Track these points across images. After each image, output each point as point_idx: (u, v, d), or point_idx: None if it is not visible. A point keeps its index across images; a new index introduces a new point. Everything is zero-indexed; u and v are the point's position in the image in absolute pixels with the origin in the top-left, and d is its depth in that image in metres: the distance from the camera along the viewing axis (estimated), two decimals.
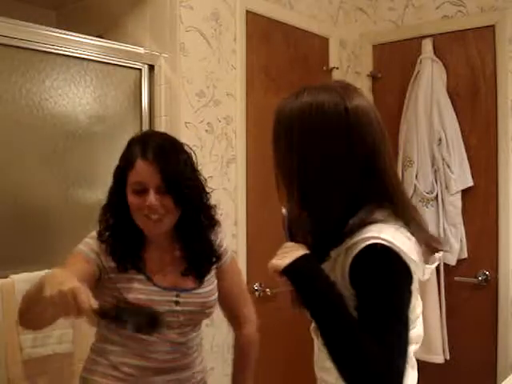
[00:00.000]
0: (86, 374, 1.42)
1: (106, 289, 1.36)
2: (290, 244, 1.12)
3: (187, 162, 1.38)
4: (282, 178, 1.13)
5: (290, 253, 1.08)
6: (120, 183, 1.37)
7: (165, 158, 1.33)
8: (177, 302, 1.37)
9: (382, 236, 1.04)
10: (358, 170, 1.09)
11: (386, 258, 1.03)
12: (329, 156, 1.07)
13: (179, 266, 1.42)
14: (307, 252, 1.09)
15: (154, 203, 1.31)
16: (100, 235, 1.38)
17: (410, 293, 1.07)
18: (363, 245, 1.04)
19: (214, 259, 1.46)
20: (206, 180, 1.44)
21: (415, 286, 1.10)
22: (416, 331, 1.14)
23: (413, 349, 1.13)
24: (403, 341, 1.04)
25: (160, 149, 1.34)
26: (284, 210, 1.19)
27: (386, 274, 1.04)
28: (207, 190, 1.44)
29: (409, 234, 1.09)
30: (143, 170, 1.31)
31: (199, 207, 1.41)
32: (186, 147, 1.40)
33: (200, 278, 1.42)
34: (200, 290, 1.42)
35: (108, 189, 1.41)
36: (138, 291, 1.34)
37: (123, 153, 1.38)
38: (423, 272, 1.12)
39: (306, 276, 1.06)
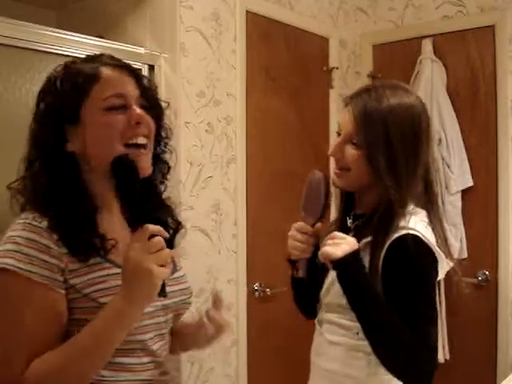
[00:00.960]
0: None
1: (75, 306, 0.94)
2: (340, 234, 1.18)
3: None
4: (373, 160, 1.19)
5: (343, 245, 1.15)
6: (67, 116, 0.97)
7: (132, 67, 1.04)
8: (164, 295, 1.00)
9: (416, 227, 1.14)
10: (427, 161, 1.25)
11: (418, 247, 1.13)
12: (418, 148, 1.20)
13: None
14: (356, 248, 1.15)
15: (143, 115, 0.99)
16: (53, 220, 0.93)
17: (436, 283, 1.16)
18: (397, 234, 1.14)
19: (176, 227, 1.15)
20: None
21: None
22: None
23: None
24: (435, 325, 1.13)
25: (117, 58, 1.05)
26: (319, 173, 1.24)
27: (418, 262, 1.13)
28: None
29: (429, 228, 1.19)
30: (117, 80, 1.00)
31: (165, 148, 1.11)
32: None
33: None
34: (177, 275, 1.13)
35: (34, 139, 1.01)
36: (116, 290, 0.92)
37: (63, 75, 1.02)
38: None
39: (353, 274, 1.14)
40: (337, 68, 2.84)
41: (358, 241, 1.18)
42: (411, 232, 1.13)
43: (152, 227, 0.88)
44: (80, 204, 0.97)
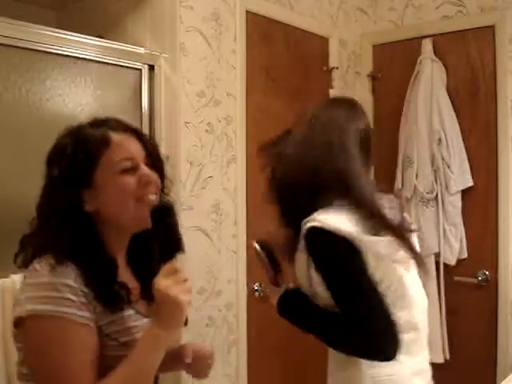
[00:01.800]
0: None
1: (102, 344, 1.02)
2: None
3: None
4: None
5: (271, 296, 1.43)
6: (82, 180, 1.05)
7: (135, 129, 1.14)
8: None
9: (316, 218, 1.25)
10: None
11: (320, 236, 1.24)
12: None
13: (136, 286, 1.15)
14: (281, 293, 1.41)
15: (151, 176, 1.09)
16: (78, 267, 1.00)
17: (359, 262, 1.23)
18: (304, 230, 1.26)
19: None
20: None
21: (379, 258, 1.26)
22: (403, 317, 1.24)
23: (405, 337, 1.23)
24: (359, 298, 1.21)
25: (121, 120, 1.15)
26: (256, 244, 1.44)
27: (323, 251, 1.25)
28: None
29: (347, 216, 1.26)
30: (126, 144, 1.09)
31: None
32: None
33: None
34: None
35: (51, 201, 1.06)
36: (134, 330, 1.06)
37: (76, 141, 1.07)
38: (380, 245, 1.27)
39: (288, 315, 1.39)
40: (337, 68, 2.84)
41: None
42: (308, 225, 1.25)
43: (177, 264, 0.99)
44: (102, 256, 1.05)
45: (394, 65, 2.89)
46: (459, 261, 2.63)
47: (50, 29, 1.84)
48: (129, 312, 1.06)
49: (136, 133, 1.12)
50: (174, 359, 1.24)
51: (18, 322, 0.98)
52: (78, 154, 1.05)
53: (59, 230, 1.02)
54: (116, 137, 1.08)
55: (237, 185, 2.35)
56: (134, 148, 1.09)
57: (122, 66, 2.04)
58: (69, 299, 0.96)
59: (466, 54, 2.67)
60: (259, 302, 2.45)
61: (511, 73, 2.55)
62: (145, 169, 1.08)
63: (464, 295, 2.66)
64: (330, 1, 2.84)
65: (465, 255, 2.64)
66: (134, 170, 1.07)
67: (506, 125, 2.55)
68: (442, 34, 2.72)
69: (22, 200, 1.80)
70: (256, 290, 2.44)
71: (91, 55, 1.93)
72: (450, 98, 2.66)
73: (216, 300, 2.24)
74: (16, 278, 1.70)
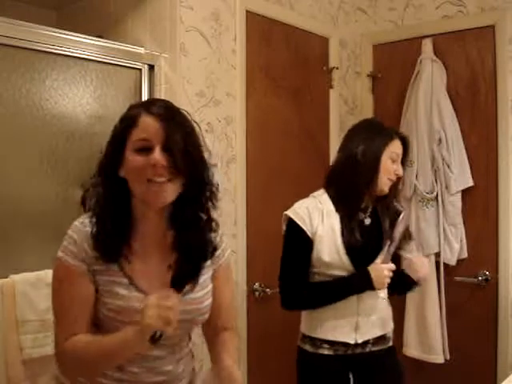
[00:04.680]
0: None
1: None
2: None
3: (192, 128, 1.21)
4: None
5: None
6: (117, 149, 1.18)
7: (171, 115, 1.18)
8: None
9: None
10: None
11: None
12: None
13: (167, 259, 1.22)
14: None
15: (160, 160, 1.13)
16: (95, 216, 1.19)
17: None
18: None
19: (210, 251, 1.27)
20: (210, 154, 1.26)
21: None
22: None
23: None
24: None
25: (165, 106, 1.21)
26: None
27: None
28: (210, 166, 1.24)
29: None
30: (148, 126, 1.15)
31: (201, 181, 1.22)
32: (189, 117, 1.23)
33: (192, 276, 1.23)
34: (192, 295, 1.23)
35: (99, 161, 1.21)
36: (118, 297, 1.16)
37: (122, 116, 1.22)
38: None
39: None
40: (337, 68, 2.84)
41: None
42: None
43: (174, 297, 1.10)
44: (119, 220, 1.19)
45: (393, 65, 2.89)
46: (459, 261, 2.63)
47: (50, 29, 1.84)
48: (122, 279, 1.18)
49: (163, 117, 1.16)
50: None
51: None
52: (119, 129, 1.19)
53: (97, 190, 1.19)
54: (143, 118, 1.16)
55: (237, 185, 2.35)
56: (152, 131, 1.14)
57: (121, 65, 2.04)
58: (71, 251, 1.17)
59: (465, 54, 2.67)
60: (259, 302, 2.45)
61: (511, 73, 2.55)
62: (156, 152, 1.13)
63: (464, 295, 2.66)
64: (330, 1, 2.84)
65: (465, 255, 2.64)
66: (148, 151, 1.14)
67: (506, 125, 2.55)
68: (441, 34, 2.71)
69: (23, 200, 1.80)
70: (256, 290, 2.44)
71: (91, 55, 1.93)
72: (450, 98, 2.66)
73: None
74: (16, 278, 1.70)
